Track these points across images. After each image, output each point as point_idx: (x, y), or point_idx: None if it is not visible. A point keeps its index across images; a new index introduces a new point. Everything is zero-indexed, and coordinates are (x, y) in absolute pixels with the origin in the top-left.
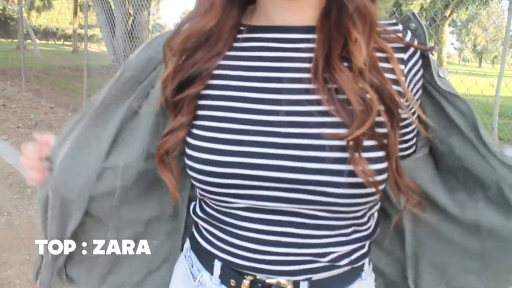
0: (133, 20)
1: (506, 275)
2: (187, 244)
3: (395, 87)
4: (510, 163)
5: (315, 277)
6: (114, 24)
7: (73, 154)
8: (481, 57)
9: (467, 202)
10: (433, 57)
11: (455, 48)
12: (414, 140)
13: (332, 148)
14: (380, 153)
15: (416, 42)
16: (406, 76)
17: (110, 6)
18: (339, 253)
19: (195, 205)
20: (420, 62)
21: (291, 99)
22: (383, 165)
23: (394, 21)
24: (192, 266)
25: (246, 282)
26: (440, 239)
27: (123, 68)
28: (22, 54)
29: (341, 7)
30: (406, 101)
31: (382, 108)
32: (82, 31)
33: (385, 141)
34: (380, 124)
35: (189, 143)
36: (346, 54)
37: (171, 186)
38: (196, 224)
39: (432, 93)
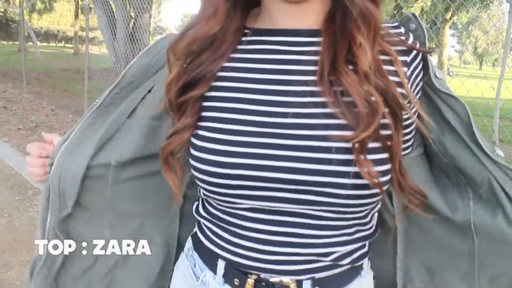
0: (134, 23)
1: (497, 282)
2: (189, 243)
3: (399, 89)
4: (501, 162)
5: (318, 276)
6: (115, 27)
7: (70, 149)
8: (482, 60)
9: (458, 202)
10: (432, 58)
11: (455, 51)
12: (412, 140)
13: (338, 150)
14: (384, 155)
15: (418, 44)
16: (409, 78)
17: (112, 8)
18: (342, 253)
19: (197, 205)
20: (421, 64)
21: (298, 101)
22: (387, 166)
23: (396, 23)
24: (195, 266)
25: (250, 281)
26: (431, 239)
27: (123, 74)
28: (23, 56)
29: (345, 12)
30: (408, 102)
31: (386, 110)
32: (83, 34)
33: (389, 143)
34: (385, 126)
35: (194, 144)
36: (351, 58)
37: (174, 188)
38: (199, 223)
39: (429, 93)
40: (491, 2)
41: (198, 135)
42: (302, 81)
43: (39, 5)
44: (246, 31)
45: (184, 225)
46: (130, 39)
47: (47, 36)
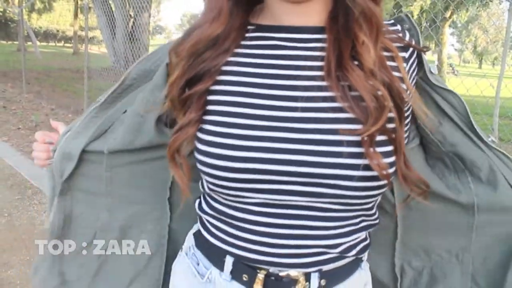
0: (133, 22)
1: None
2: (190, 242)
3: (400, 84)
4: (496, 147)
5: (325, 268)
6: (115, 26)
7: (72, 136)
8: (481, 59)
9: (459, 185)
10: (425, 55)
11: (455, 50)
12: (408, 132)
13: (347, 143)
14: (390, 147)
15: (413, 42)
16: (407, 72)
17: (111, 8)
18: (349, 244)
19: (200, 201)
20: (416, 60)
21: (305, 96)
22: (393, 158)
23: (392, 21)
24: (198, 264)
25: (260, 276)
26: (430, 222)
27: (124, 77)
28: (22, 56)
29: (347, 11)
30: (408, 95)
31: (391, 104)
32: (83, 33)
33: (394, 135)
34: (390, 120)
35: (200, 138)
36: (355, 54)
37: (182, 185)
38: (202, 221)
39: (425, 88)
40: (491, 1)
41: (204, 129)
42: (309, 76)
43: (38, 5)
44: (250, 27)
45: (176, 218)
46: (130, 39)
47: (47, 35)
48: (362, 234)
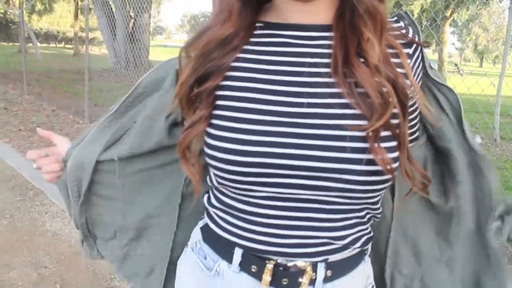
0: (133, 23)
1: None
2: (197, 237)
3: (405, 80)
4: (477, 148)
5: (331, 258)
6: (115, 27)
7: (85, 145)
8: (482, 57)
9: (447, 190)
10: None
11: (456, 48)
12: (417, 126)
13: (352, 139)
14: (394, 143)
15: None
16: (412, 68)
17: (111, 9)
18: (354, 236)
19: (209, 196)
20: (421, 56)
21: (312, 92)
22: (396, 153)
23: (396, 18)
24: (205, 258)
25: (269, 266)
26: (423, 225)
27: (137, 85)
28: (23, 57)
29: (353, 9)
30: (412, 92)
31: (395, 100)
32: (83, 34)
33: (397, 131)
34: (394, 116)
35: (210, 133)
36: (361, 51)
37: (194, 181)
38: (210, 215)
39: (427, 83)
40: None
41: (213, 124)
42: (316, 72)
43: (38, 6)
44: (258, 24)
45: (181, 225)
46: (130, 39)
47: (47, 37)
48: (367, 227)
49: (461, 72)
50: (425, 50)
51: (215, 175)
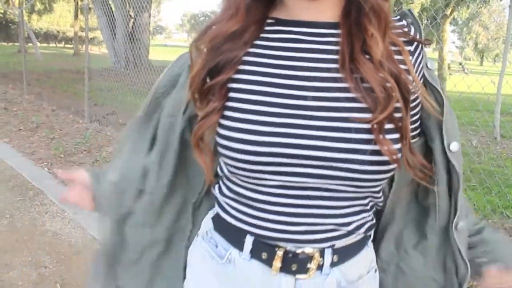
0: (133, 22)
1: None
2: (208, 226)
3: (407, 75)
4: (449, 154)
5: (337, 244)
6: (115, 27)
7: (128, 158)
8: (483, 55)
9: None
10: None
11: (456, 47)
12: (419, 121)
13: (358, 130)
14: (396, 135)
15: (418, 36)
16: (413, 65)
17: (111, 8)
18: (359, 223)
19: (219, 186)
20: (422, 53)
21: (320, 86)
22: (399, 145)
23: (398, 17)
24: (216, 247)
25: (279, 253)
26: (408, 216)
27: (156, 85)
28: (23, 57)
29: (359, 7)
30: (414, 86)
31: (398, 95)
32: (83, 34)
33: (400, 124)
34: (397, 110)
35: (223, 124)
36: (366, 48)
37: (206, 170)
38: (221, 205)
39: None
40: None
41: (226, 116)
42: (325, 68)
43: (38, 6)
44: (269, 20)
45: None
46: (130, 39)
47: (47, 37)
48: (370, 214)
49: (465, 71)
50: (425, 49)
51: (227, 164)
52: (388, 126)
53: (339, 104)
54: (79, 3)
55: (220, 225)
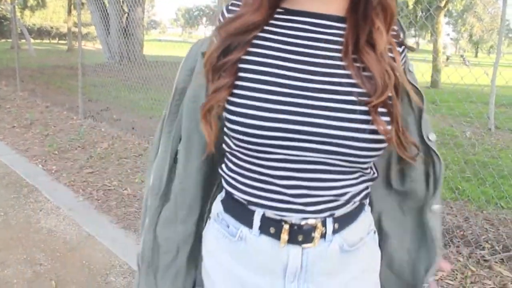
0: (127, 17)
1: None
2: (218, 208)
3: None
4: (429, 142)
5: (337, 213)
6: (109, 22)
7: (158, 160)
8: (477, 47)
9: (405, 169)
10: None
11: (451, 39)
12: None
13: (357, 112)
14: (388, 118)
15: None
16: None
17: (104, 3)
18: (353, 193)
19: (226, 164)
20: (406, 57)
21: (324, 72)
22: (390, 127)
23: None
24: (228, 227)
25: (286, 226)
26: (393, 204)
27: (176, 83)
28: (16, 54)
29: (367, 2)
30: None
31: (392, 83)
32: (77, 29)
33: (392, 109)
34: (389, 97)
35: (232, 101)
36: (371, 40)
37: (209, 140)
38: (228, 181)
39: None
40: None
41: (235, 94)
42: (329, 56)
43: (31, 2)
44: (279, 9)
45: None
46: (124, 34)
47: (40, 33)
48: (362, 185)
49: (467, 63)
50: (420, 41)
51: (234, 139)
52: (381, 109)
53: (342, 88)
54: None
55: (229, 205)
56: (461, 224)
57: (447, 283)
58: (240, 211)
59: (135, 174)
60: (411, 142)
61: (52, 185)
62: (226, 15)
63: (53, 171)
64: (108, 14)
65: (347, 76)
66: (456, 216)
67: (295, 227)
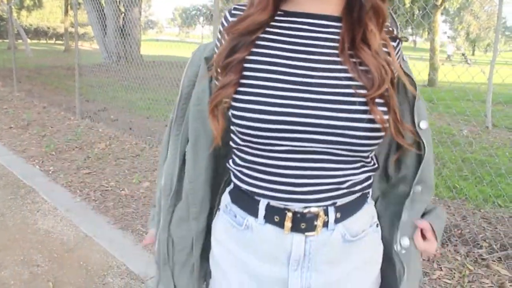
0: (124, 17)
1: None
2: (226, 200)
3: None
4: (419, 130)
5: (339, 202)
6: (106, 22)
7: (168, 162)
8: (474, 45)
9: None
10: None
11: (448, 37)
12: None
13: (355, 103)
14: (385, 108)
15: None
16: (396, 57)
17: (101, 3)
18: (354, 181)
19: (233, 158)
20: (400, 48)
21: (322, 67)
22: (387, 116)
23: None
24: (235, 217)
25: (289, 214)
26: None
27: (181, 88)
28: (13, 54)
29: (361, 6)
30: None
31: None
32: (74, 30)
33: (388, 100)
34: (386, 89)
35: (238, 98)
36: (365, 40)
37: (216, 133)
38: (235, 174)
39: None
40: None
41: (240, 91)
42: (326, 53)
43: (27, 2)
44: (279, 12)
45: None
46: (121, 34)
47: (37, 33)
48: (364, 175)
49: (468, 61)
50: (417, 39)
51: (241, 133)
52: (378, 100)
53: (340, 82)
54: None
55: (236, 196)
56: (458, 223)
57: (444, 282)
58: (246, 202)
59: (133, 175)
60: (408, 129)
61: (49, 186)
62: (230, 18)
63: (50, 172)
64: (105, 14)
65: (344, 71)
66: (454, 215)
67: (298, 215)
